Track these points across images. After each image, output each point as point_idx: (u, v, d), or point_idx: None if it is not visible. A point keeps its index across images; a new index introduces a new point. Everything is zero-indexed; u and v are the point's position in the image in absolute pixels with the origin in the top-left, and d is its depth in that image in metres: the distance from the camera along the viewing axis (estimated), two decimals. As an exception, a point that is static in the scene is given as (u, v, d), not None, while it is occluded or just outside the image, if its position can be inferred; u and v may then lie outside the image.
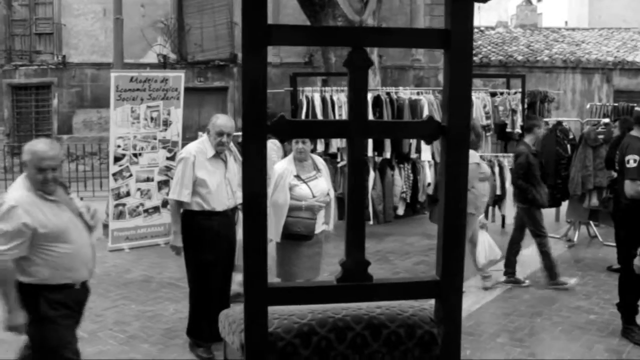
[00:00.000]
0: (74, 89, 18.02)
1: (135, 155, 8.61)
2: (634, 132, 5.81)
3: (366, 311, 1.48)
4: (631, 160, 5.51)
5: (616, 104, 11.16)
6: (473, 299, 6.70)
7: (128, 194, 8.63)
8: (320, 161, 5.76)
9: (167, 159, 8.85)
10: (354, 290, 1.29)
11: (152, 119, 8.65)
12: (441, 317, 1.31)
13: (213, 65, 17.90)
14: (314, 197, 5.43)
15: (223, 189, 5.17)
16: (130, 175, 8.61)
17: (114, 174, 8.53)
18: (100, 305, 6.29)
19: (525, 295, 6.95)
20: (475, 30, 22.30)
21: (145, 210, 8.80)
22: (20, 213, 3.57)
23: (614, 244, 8.62)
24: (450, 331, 1.31)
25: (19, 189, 3.68)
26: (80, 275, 3.81)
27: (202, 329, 5.27)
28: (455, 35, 1.20)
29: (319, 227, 5.57)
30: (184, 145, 8.90)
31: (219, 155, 5.18)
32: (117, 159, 8.53)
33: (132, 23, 17.13)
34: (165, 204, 8.87)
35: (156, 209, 8.87)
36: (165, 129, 8.81)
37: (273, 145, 6.86)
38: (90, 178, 13.70)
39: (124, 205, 8.63)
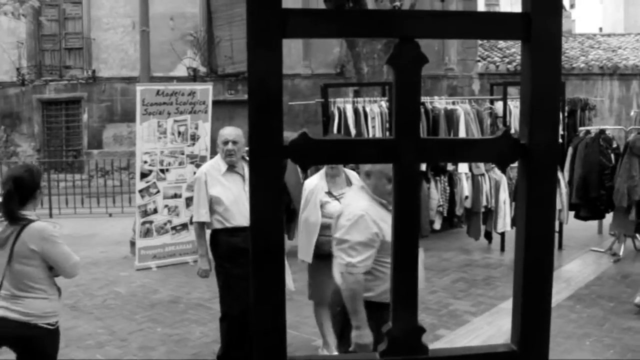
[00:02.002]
0: (103, 103, 18.02)
1: (162, 171, 8.40)
2: None
3: None
4: None
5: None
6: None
7: (155, 211, 8.41)
8: (354, 176, 5.46)
9: (195, 174, 8.62)
10: None
11: (179, 133, 8.43)
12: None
13: (243, 78, 17.73)
14: (346, 214, 5.15)
15: (243, 203, 4.94)
16: (158, 191, 8.40)
17: (140, 191, 8.32)
18: (125, 328, 6.05)
19: (571, 315, 6.54)
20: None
21: (173, 228, 8.57)
22: (369, 222, 3.41)
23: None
24: None
25: (363, 199, 3.55)
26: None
27: (235, 353, 5.03)
28: (538, 21, 0.89)
29: (353, 246, 5.28)
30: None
31: (233, 169, 4.96)
32: (143, 175, 8.32)
33: (161, 36, 17.09)
34: (192, 221, 8.66)
35: (184, 226, 8.63)
36: (193, 144, 8.58)
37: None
38: (119, 193, 13.59)
39: (151, 222, 8.41)
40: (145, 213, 8.36)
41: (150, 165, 8.32)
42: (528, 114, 0.91)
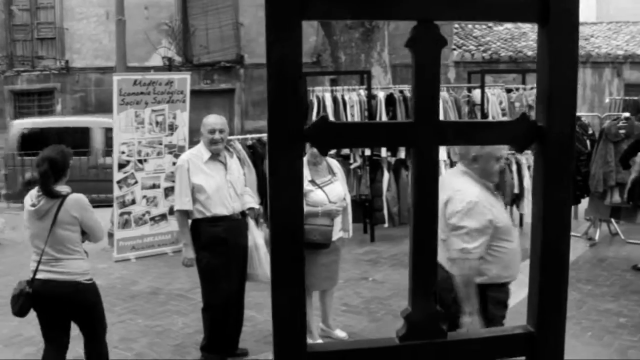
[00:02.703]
0: (77, 94, 17.75)
1: (140, 161, 8.31)
2: None
3: None
4: None
5: (636, 98, 10.77)
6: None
7: (133, 202, 8.33)
8: (335, 164, 5.48)
9: (174, 164, 8.53)
10: (423, 350, 0.95)
11: (157, 123, 8.34)
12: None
13: (219, 67, 17.63)
14: (330, 202, 5.15)
15: (225, 192, 4.91)
16: (136, 182, 8.31)
17: (118, 182, 8.23)
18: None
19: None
20: (484, 26, 21.97)
21: (152, 219, 8.49)
22: (483, 209, 3.45)
23: (638, 242, 8.39)
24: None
25: (472, 185, 3.56)
26: (515, 273, 3.63)
27: (218, 343, 5.02)
28: (556, 3, 0.88)
29: (336, 234, 5.29)
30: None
31: (216, 157, 4.93)
32: (121, 166, 8.22)
33: (135, 26, 16.88)
34: (172, 211, 8.57)
35: (163, 217, 8.56)
36: (171, 134, 8.50)
37: None
38: (95, 185, 13.43)
39: (129, 213, 8.32)
40: (123, 204, 8.28)
41: (128, 155, 8.23)
42: (546, 97, 0.91)
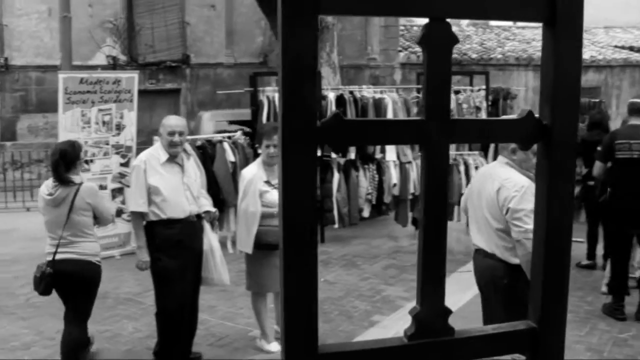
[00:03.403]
0: (17, 93, 17.16)
1: (86, 162, 8.07)
2: (635, 121, 6.05)
3: None
4: None
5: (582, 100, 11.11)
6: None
7: (79, 204, 8.10)
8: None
9: (121, 165, 8.35)
10: (432, 349, 0.94)
11: (104, 123, 8.13)
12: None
13: (165, 67, 17.33)
14: (283, 203, 5.12)
15: (181, 194, 4.82)
16: (82, 183, 8.07)
17: (63, 183, 7.98)
18: (53, 327, 5.80)
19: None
20: (428, 28, 22.26)
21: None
22: (533, 192, 3.49)
23: (580, 240, 8.63)
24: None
25: (516, 173, 3.87)
26: None
27: (172, 348, 4.92)
28: (563, 5, 0.88)
29: (291, 235, 5.26)
30: (138, 150, 8.49)
31: (173, 159, 4.83)
32: (66, 167, 7.98)
33: (79, 23, 16.44)
34: (119, 213, 8.37)
35: (110, 219, 8.34)
36: (119, 133, 8.30)
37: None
38: (37, 187, 12.99)
39: (75, 215, 8.08)
40: (68, 206, 8.04)
41: (73, 156, 8.00)
42: (551, 96, 0.91)
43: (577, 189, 8.36)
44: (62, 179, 4.61)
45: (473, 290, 6.95)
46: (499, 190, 3.82)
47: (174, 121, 4.93)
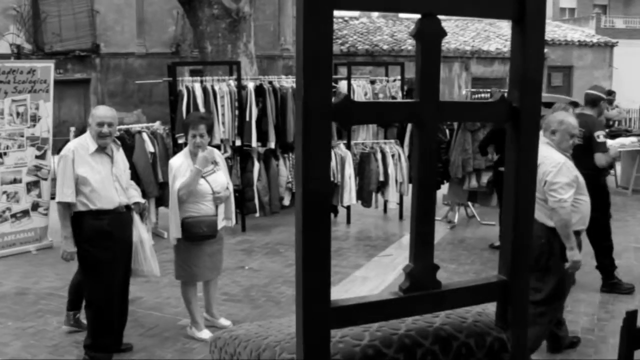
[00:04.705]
0: None
1: (0, 154, 7.81)
2: (587, 111, 6.59)
3: (426, 322, 1.28)
4: (601, 135, 6.28)
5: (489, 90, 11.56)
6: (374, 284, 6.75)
7: (-8, 198, 7.81)
8: (217, 153, 5.49)
9: (37, 157, 8.10)
10: (424, 300, 1.09)
11: (18, 114, 7.85)
12: (510, 321, 1.15)
13: (73, 56, 16.79)
14: (213, 192, 5.17)
15: (110, 185, 4.77)
16: (-6, 177, 7.79)
17: (-26, 177, 7.67)
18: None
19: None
20: (340, 20, 22.60)
21: (13, 215, 7.99)
22: (570, 168, 4.45)
23: (492, 223, 9.10)
24: (520, 335, 1.16)
25: (555, 152, 4.49)
26: (587, 223, 4.64)
27: (103, 340, 4.87)
28: (531, 3, 1.03)
29: (220, 224, 5.33)
30: (54, 142, 8.25)
31: (102, 150, 4.78)
32: (-23, 160, 7.67)
33: (-22, 10, 15.68)
34: (35, 206, 8.14)
35: (25, 213, 8.09)
36: (34, 125, 8.03)
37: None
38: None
39: (-13, 211, 7.79)
40: (-20, 201, 7.74)
41: (-15, 149, 7.70)
42: (519, 82, 1.06)
43: (489, 175, 8.82)
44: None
45: (395, 273, 7.25)
46: (539, 165, 4.34)
47: (102, 111, 4.85)
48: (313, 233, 0.98)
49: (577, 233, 4.55)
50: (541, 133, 5.25)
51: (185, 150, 5.33)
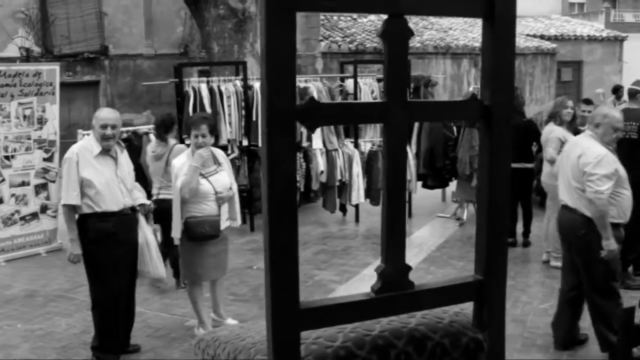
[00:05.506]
0: None
1: (7, 157, 7.84)
2: (633, 105, 6.93)
3: (401, 323, 1.27)
4: None
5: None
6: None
7: (1, 201, 7.84)
8: (220, 154, 5.50)
9: (44, 160, 8.14)
10: (396, 301, 1.08)
11: (25, 117, 7.89)
12: (486, 321, 1.13)
13: (82, 59, 16.85)
14: (216, 192, 5.18)
15: (115, 187, 4.80)
16: (3, 180, 7.83)
17: (-18, 180, 7.72)
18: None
19: (428, 276, 7.02)
20: (348, 18, 22.56)
21: (22, 218, 8.04)
22: (610, 161, 4.52)
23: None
24: (497, 336, 1.14)
25: (597, 144, 4.58)
26: (628, 217, 4.68)
27: (110, 341, 4.90)
28: (500, 3, 1.02)
29: (224, 224, 5.33)
30: (62, 144, 8.29)
31: (107, 152, 4.80)
32: (-15, 163, 7.72)
33: (-12, 14, 15.76)
34: (44, 209, 8.18)
35: (34, 216, 8.13)
36: (41, 128, 8.07)
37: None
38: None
39: (-4, 213, 7.84)
40: (-11, 204, 7.79)
41: (-7, 152, 7.75)
42: (491, 80, 1.05)
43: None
44: (162, 138, 6.55)
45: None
46: (580, 156, 4.64)
47: (105, 114, 4.88)
48: (279, 234, 0.98)
49: (617, 225, 4.62)
50: (586, 126, 5.38)
51: (188, 150, 5.34)
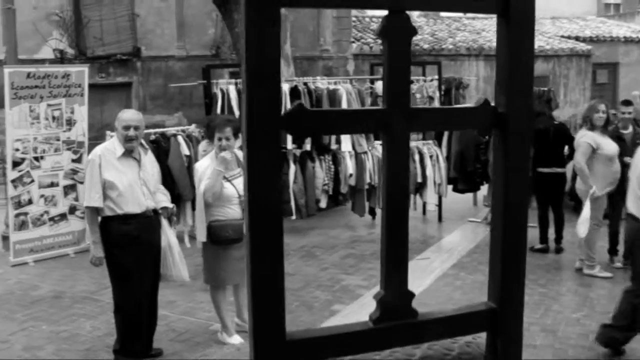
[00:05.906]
0: (-40, 89, 16.63)
1: (36, 158, 7.89)
2: None
3: (405, 354, 1.14)
4: None
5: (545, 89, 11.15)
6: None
7: (30, 202, 7.90)
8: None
9: (73, 161, 8.17)
10: (396, 332, 0.96)
11: (54, 118, 7.94)
12: (500, 354, 1.00)
13: (115, 60, 16.98)
14: (240, 195, 5.10)
15: (137, 189, 4.75)
16: (32, 181, 7.88)
17: (12, 181, 7.77)
18: (5, 329, 5.67)
19: (457, 282, 6.87)
20: (380, 19, 22.38)
21: (51, 219, 8.09)
22: None
23: (532, 225, 8.84)
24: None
25: None
26: None
27: (132, 345, 4.86)
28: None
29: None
30: (90, 146, 8.32)
31: (130, 153, 4.76)
32: (15, 164, 7.76)
33: (23, 16, 15.92)
34: (72, 210, 8.22)
35: (63, 217, 8.17)
36: (69, 129, 8.11)
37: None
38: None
39: (26, 214, 7.88)
40: (19, 204, 7.83)
41: (22, 153, 7.79)
42: (505, 84, 0.93)
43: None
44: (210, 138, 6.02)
45: (432, 276, 7.08)
46: (638, 164, 4.68)
47: (128, 115, 4.84)
48: (262, 258, 0.88)
49: None
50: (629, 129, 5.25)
51: (212, 153, 5.28)
